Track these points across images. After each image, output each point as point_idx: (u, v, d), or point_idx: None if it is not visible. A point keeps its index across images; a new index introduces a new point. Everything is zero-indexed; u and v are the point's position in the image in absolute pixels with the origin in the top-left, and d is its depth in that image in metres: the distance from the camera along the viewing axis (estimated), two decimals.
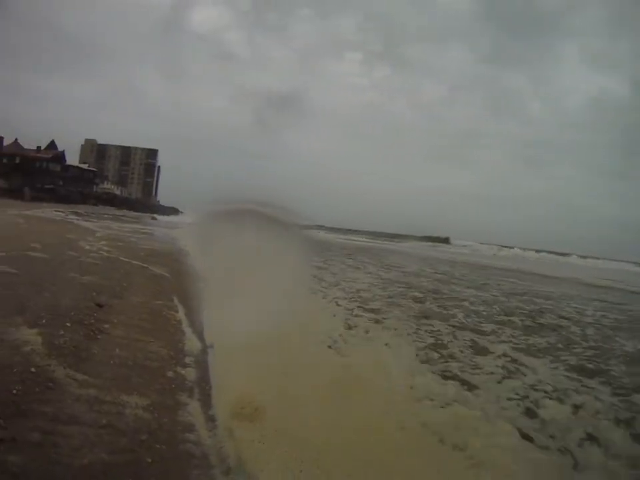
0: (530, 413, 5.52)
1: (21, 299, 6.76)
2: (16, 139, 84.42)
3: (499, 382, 6.53)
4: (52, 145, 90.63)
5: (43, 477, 3.16)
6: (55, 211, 41.54)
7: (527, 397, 6.02)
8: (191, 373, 5.82)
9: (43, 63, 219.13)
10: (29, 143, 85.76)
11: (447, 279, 19.72)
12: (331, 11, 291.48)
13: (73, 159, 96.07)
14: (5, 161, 79.07)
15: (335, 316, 9.53)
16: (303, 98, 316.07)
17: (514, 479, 4.17)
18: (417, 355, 7.37)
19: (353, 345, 7.59)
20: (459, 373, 6.70)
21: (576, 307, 14.68)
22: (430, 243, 77.74)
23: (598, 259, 71.73)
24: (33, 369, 4.54)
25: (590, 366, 7.67)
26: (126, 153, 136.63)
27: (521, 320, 11.22)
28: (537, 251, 76.50)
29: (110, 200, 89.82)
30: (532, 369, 7.19)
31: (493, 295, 15.65)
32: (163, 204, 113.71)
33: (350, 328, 8.70)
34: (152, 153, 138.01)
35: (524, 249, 76.74)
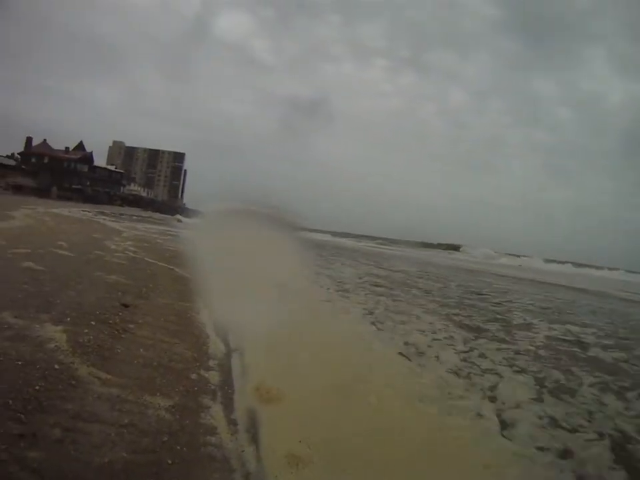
0: (408, 342, 8.58)
1: (46, 296, 6.86)
2: (45, 140, 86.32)
3: (396, 326, 9.75)
4: (80, 146, 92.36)
5: (62, 474, 3.16)
6: (82, 210, 42.21)
7: (409, 334, 9.22)
8: (214, 376, 5.80)
9: (74, 67, 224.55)
10: (57, 143, 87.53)
11: (420, 275, 23.54)
12: (357, 17, 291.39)
13: (100, 160, 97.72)
14: (33, 160, 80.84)
15: (321, 296, 12.59)
16: (328, 104, 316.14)
17: (390, 378, 6.57)
18: (361, 314, 10.79)
19: (326, 312, 10.59)
20: (377, 322, 9.96)
21: (515, 297, 18.08)
22: (432, 250, 77.86)
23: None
24: (56, 366, 4.59)
25: (468, 323, 11.07)
26: (153, 155, 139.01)
27: (451, 300, 14.83)
28: (561, 262, 75.05)
29: (136, 201, 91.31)
30: (425, 322, 10.53)
31: (449, 288, 19.14)
32: (189, 207, 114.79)
33: (327, 301, 12.01)
34: (179, 156, 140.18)
35: (547, 260, 75.13)
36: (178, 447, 3.90)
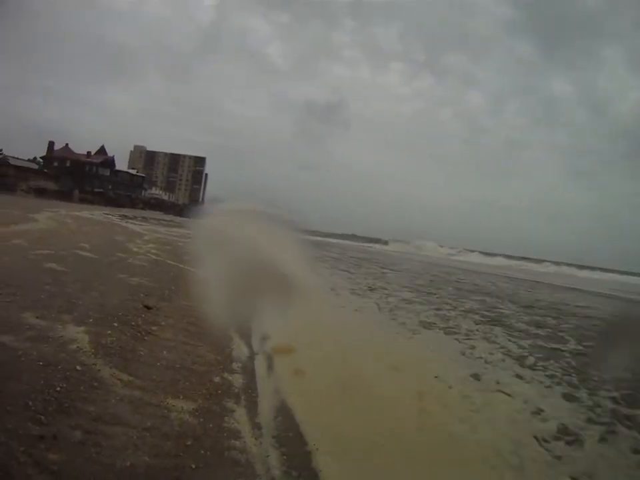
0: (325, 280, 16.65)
1: (69, 297, 6.88)
2: (67, 144, 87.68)
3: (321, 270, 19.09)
4: (102, 150, 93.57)
5: (82, 477, 3.12)
6: (104, 213, 42.70)
7: (328, 274, 19.00)
8: (237, 379, 5.76)
9: (95, 74, 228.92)
10: (79, 148, 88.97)
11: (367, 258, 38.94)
12: (372, 22, 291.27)
13: (122, 164, 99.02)
14: (55, 164, 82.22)
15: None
16: (344, 108, 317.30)
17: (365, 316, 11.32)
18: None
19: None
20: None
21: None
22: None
23: None
24: (78, 367, 4.56)
25: (349, 270, 23.25)
26: (174, 159, 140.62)
27: (355, 262, 29.62)
28: (580, 267, 73.80)
29: (158, 205, 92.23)
30: (341, 271, 21.65)
31: (370, 260, 35.03)
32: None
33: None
34: (200, 161, 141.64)
35: (569, 265, 74.27)
36: (202, 451, 3.85)
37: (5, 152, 73.64)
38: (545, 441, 5.32)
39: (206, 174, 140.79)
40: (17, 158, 73.33)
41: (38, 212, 24.29)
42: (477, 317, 12.45)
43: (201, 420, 4.36)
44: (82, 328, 5.64)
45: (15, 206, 27.29)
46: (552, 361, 8.54)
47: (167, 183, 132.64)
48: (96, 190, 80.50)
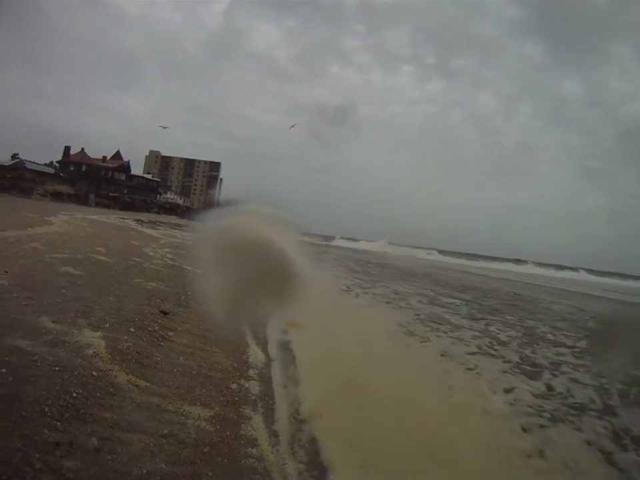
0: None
1: (85, 302, 6.88)
2: (82, 149, 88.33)
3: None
4: (117, 155, 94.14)
5: None
6: (119, 217, 43.00)
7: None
8: (254, 386, 5.74)
9: (109, 81, 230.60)
10: (95, 153, 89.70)
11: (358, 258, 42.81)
12: (381, 26, 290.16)
13: (137, 169, 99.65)
14: (71, 168, 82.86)
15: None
16: (357, 112, 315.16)
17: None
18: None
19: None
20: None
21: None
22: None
23: None
24: (94, 373, 4.55)
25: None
26: (189, 164, 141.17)
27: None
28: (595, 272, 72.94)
29: (173, 209, 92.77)
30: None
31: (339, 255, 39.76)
32: None
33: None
34: (215, 166, 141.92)
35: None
36: (218, 459, 3.83)
37: (22, 156, 74.50)
38: None
39: (221, 179, 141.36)
40: (34, 162, 74.10)
41: (54, 215, 24.47)
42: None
43: (218, 427, 4.35)
44: (98, 333, 5.64)
45: (31, 209, 27.49)
46: None
47: (182, 188, 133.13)
48: (111, 194, 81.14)
